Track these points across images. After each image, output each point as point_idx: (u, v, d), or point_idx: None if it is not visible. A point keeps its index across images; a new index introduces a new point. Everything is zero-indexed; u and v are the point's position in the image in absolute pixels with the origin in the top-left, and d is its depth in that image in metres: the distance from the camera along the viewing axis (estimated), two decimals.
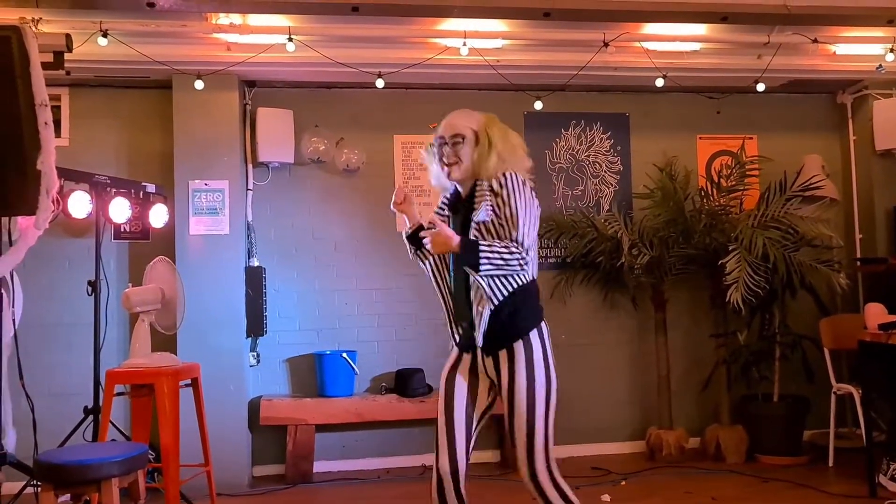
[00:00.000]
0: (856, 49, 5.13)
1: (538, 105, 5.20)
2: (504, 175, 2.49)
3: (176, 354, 4.27)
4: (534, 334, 2.53)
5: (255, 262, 5.07)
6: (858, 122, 5.66)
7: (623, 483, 4.59)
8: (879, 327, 4.12)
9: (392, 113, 5.33)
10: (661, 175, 5.39)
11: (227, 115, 4.92)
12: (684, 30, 4.80)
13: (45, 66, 2.83)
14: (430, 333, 5.15)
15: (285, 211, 5.22)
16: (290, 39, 4.47)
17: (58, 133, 4.71)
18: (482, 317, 2.47)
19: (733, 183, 5.22)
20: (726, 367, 5.19)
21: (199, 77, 4.72)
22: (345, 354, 4.97)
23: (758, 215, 5.02)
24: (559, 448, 5.45)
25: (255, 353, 5.07)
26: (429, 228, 2.59)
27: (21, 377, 3.72)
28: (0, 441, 3.35)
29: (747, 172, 5.24)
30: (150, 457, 3.93)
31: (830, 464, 4.82)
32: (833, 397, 4.88)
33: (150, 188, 4.59)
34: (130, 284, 4.14)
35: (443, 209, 2.73)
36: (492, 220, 2.47)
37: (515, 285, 2.48)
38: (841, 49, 5.13)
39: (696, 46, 5.00)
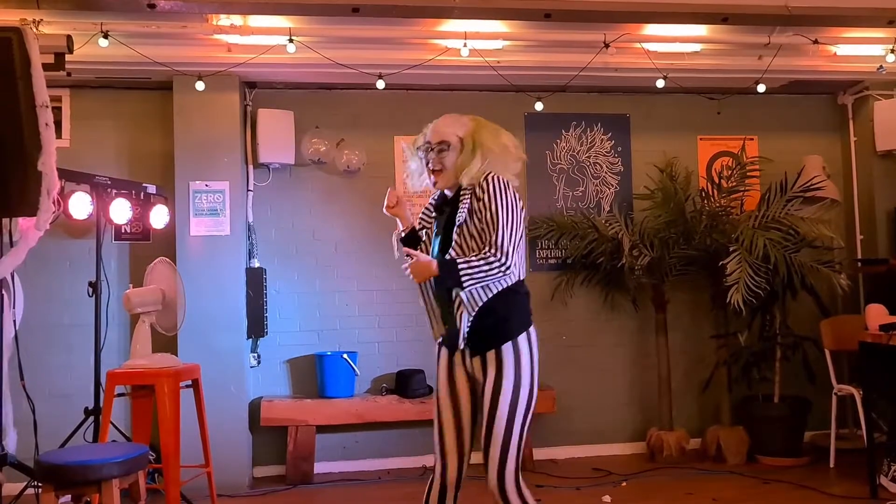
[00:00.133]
0: (856, 50, 5.12)
1: (539, 106, 5.20)
2: (487, 179, 2.50)
3: (176, 355, 4.28)
4: (522, 338, 2.52)
5: (256, 263, 5.07)
6: (859, 123, 5.66)
7: (624, 484, 4.58)
8: (880, 328, 4.12)
9: (392, 114, 5.33)
10: (661, 176, 5.39)
11: (228, 116, 4.92)
12: (685, 30, 4.80)
13: (45, 67, 2.83)
14: (430, 334, 5.13)
15: (286, 212, 5.22)
16: (291, 40, 4.48)
17: (59, 134, 4.71)
18: (461, 321, 2.48)
19: (734, 184, 5.22)
20: (727, 367, 5.19)
21: (199, 78, 4.72)
22: (345, 355, 4.97)
23: (758, 216, 5.02)
24: (559, 449, 5.50)
25: (255, 354, 5.07)
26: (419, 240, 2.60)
27: (22, 378, 3.73)
28: (1, 442, 3.35)
29: (748, 173, 5.24)
30: (151, 458, 3.93)
31: (831, 465, 4.82)
32: (834, 398, 4.87)
33: (151, 189, 4.60)
34: (131, 285, 4.14)
35: (429, 210, 2.74)
36: (474, 224, 2.49)
37: (495, 290, 2.48)
38: (841, 50, 5.13)
39: (697, 47, 5.01)
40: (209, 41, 4.67)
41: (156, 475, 4.53)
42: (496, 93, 5.27)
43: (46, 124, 2.74)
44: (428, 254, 2.66)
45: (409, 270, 2.49)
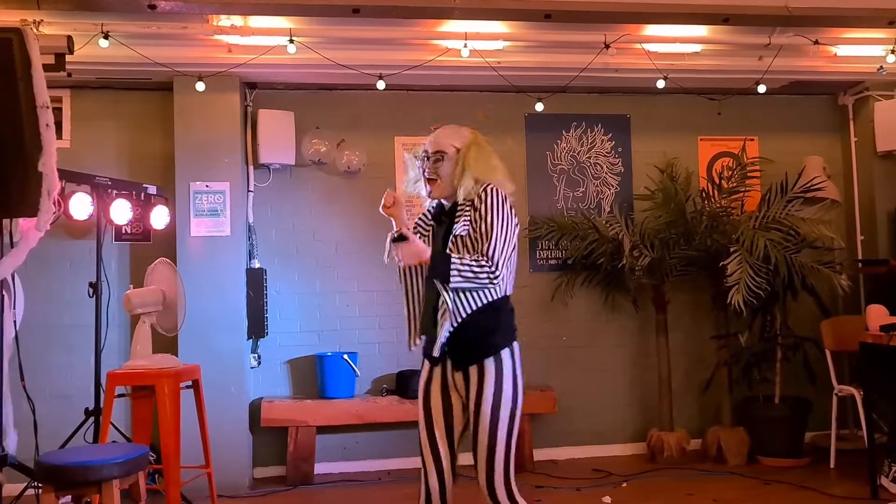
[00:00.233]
0: (857, 50, 5.12)
1: (539, 106, 5.20)
2: (486, 190, 2.51)
3: (177, 356, 4.28)
4: (506, 353, 2.52)
5: (256, 264, 5.07)
6: (859, 124, 5.66)
7: (624, 485, 4.58)
8: (881, 329, 4.12)
9: (393, 115, 5.33)
10: (662, 176, 5.39)
11: (229, 116, 4.92)
12: (685, 31, 4.80)
13: (46, 67, 2.83)
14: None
15: (286, 212, 5.22)
16: (292, 41, 4.48)
17: (59, 135, 4.72)
18: (443, 330, 2.47)
19: (734, 184, 5.23)
20: (727, 368, 5.19)
21: (200, 79, 4.72)
22: (346, 356, 4.97)
23: (759, 217, 5.02)
24: (560, 449, 5.49)
25: (255, 355, 5.07)
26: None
27: (22, 379, 3.72)
28: (1, 442, 3.35)
29: (748, 174, 5.24)
30: (151, 458, 3.94)
31: (832, 465, 4.82)
32: (834, 399, 4.87)
33: (152, 190, 4.59)
34: (131, 286, 4.14)
35: (426, 218, 2.74)
36: (468, 234, 2.49)
37: (483, 302, 2.49)
38: (842, 50, 5.13)
39: (697, 48, 5.01)
40: (210, 42, 4.67)
41: (156, 476, 4.53)
42: (497, 93, 5.27)
43: (47, 125, 2.74)
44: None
45: (399, 253, 2.49)
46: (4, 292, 3.51)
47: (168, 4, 4.05)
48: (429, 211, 2.76)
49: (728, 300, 4.64)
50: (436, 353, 2.53)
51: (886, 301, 4.49)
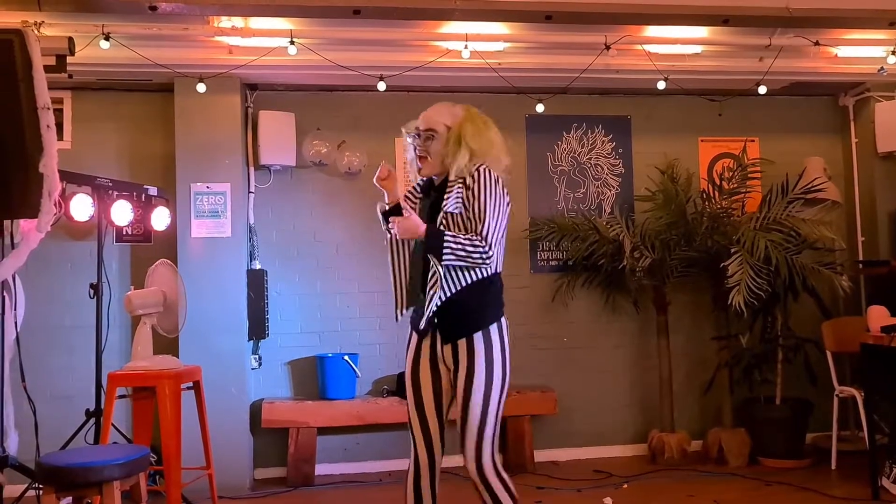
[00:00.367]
0: (857, 51, 5.12)
1: (540, 108, 5.20)
2: (478, 170, 2.54)
3: (178, 357, 4.28)
4: (493, 328, 2.56)
5: (257, 265, 5.07)
6: (860, 125, 5.66)
7: (625, 486, 4.58)
8: (882, 330, 4.12)
9: (394, 116, 5.26)
10: (662, 178, 5.39)
11: (229, 117, 4.93)
12: (686, 32, 4.80)
13: (47, 69, 2.83)
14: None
15: (287, 214, 5.22)
16: (292, 42, 4.48)
17: (60, 136, 4.72)
18: (431, 302, 2.50)
19: (735, 185, 5.22)
20: (728, 369, 5.19)
21: (200, 80, 4.72)
22: (346, 357, 4.97)
23: (760, 218, 5.02)
24: (560, 450, 5.49)
25: (256, 356, 5.07)
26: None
27: (23, 380, 3.72)
28: (2, 443, 3.35)
29: (749, 175, 5.24)
30: (152, 459, 3.93)
31: (833, 467, 4.82)
32: (835, 400, 4.87)
33: (152, 191, 4.59)
34: (132, 287, 4.14)
35: (415, 190, 2.78)
36: (460, 213, 2.53)
37: (473, 278, 2.53)
38: (842, 51, 5.12)
39: (698, 49, 5.01)
40: (210, 43, 4.67)
41: (157, 477, 4.52)
42: (497, 94, 5.26)
43: (48, 126, 2.75)
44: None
45: (395, 227, 2.52)
46: (5, 293, 3.51)
47: (169, 6, 4.05)
48: (418, 184, 2.79)
49: (729, 301, 4.64)
50: (422, 325, 2.56)
51: (887, 302, 4.49)
